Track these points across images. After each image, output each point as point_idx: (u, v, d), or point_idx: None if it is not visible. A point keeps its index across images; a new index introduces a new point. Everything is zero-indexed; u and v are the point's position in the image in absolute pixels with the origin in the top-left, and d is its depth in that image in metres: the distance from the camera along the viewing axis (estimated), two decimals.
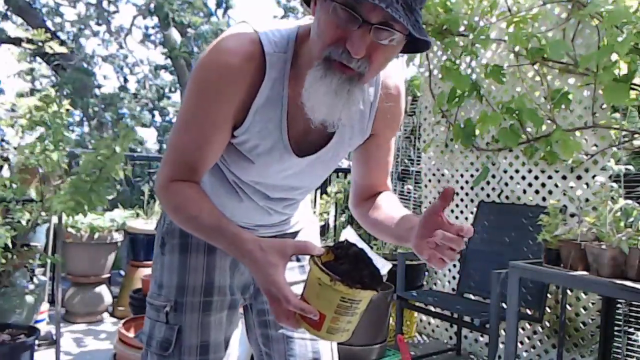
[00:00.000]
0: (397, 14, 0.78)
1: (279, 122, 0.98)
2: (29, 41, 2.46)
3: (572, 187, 2.72)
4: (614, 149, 2.53)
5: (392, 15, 0.78)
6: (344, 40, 0.83)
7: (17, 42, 12.22)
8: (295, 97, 0.94)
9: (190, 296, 1.14)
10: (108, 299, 3.47)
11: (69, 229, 3.22)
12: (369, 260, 0.89)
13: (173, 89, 16.02)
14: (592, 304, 2.59)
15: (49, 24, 13.69)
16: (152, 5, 13.13)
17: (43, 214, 2.29)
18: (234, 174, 1.08)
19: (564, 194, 2.73)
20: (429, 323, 3.54)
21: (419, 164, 3.89)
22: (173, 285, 1.15)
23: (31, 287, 2.52)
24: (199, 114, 0.96)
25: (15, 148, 2.51)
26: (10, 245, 2.05)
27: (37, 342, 2.43)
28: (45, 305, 2.89)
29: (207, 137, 0.96)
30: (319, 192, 4.37)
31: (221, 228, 0.94)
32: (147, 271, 3.49)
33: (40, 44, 2.45)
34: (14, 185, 2.16)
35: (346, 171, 4.46)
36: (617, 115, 2.54)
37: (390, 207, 1.11)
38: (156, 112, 15.57)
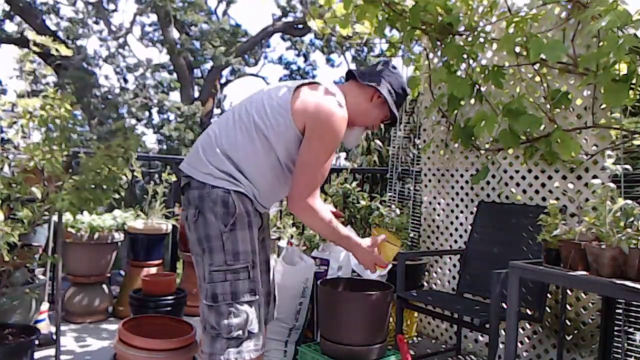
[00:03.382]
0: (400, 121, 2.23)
1: None
2: (36, 44, 2.45)
3: (572, 187, 2.72)
4: (609, 151, 2.53)
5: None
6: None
7: (18, 42, 12.20)
8: None
9: (256, 256, 1.75)
10: (108, 299, 3.47)
11: (69, 229, 3.21)
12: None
13: (172, 87, 15.99)
14: (592, 304, 2.59)
15: (48, 23, 13.67)
16: (152, 3, 13.10)
17: (46, 213, 2.29)
18: (289, 168, 1.77)
19: (564, 194, 2.73)
20: (429, 323, 3.54)
21: (419, 164, 3.88)
22: (249, 251, 1.72)
23: (31, 287, 2.51)
24: (332, 149, 1.74)
25: (15, 147, 2.50)
26: (17, 243, 2.05)
27: (37, 342, 2.42)
28: (45, 305, 2.88)
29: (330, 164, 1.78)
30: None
31: (346, 234, 1.85)
32: (147, 271, 3.49)
33: (46, 46, 2.44)
34: (17, 185, 2.15)
35: (338, 170, 4.45)
36: (617, 115, 2.54)
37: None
38: (154, 111, 15.54)
